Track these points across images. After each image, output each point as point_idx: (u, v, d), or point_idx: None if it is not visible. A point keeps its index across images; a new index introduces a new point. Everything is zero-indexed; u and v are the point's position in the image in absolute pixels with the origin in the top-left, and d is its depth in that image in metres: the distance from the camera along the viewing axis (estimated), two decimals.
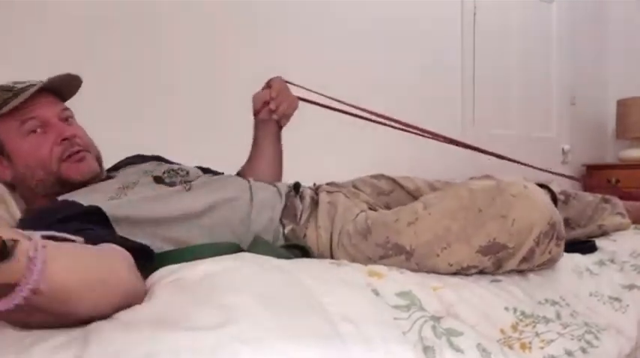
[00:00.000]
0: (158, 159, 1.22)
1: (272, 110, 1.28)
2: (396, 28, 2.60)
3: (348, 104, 1.42)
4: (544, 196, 0.85)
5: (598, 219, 1.33)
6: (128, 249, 0.69)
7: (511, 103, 3.08)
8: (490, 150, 1.78)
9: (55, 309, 0.53)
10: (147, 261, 0.75)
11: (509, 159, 1.58)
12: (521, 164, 1.60)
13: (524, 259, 0.84)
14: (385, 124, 1.47)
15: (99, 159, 1.07)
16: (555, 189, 1.23)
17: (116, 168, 1.15)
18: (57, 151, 0.98)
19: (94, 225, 0.81)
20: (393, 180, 1.23)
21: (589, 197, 1.37)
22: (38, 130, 0.97)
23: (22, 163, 0.98)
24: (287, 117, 1.32)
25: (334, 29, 2.41)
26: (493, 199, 0.83)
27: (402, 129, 1.48)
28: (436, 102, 2.77)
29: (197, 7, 2.01)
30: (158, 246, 0.92)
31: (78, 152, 1.00)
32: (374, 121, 1.45)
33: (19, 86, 0.97)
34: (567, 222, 1.29)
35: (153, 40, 1.94)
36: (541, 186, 1.37)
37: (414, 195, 1.18)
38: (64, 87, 1.04)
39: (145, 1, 1.91)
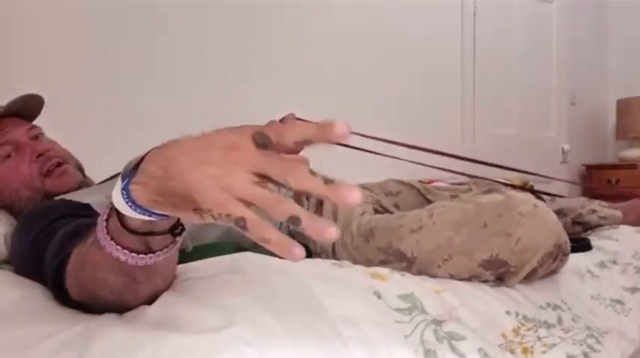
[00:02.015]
0: None
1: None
2: (395, 28, 2.60)
3: (359, 134, 1.40)
4: (552, 216, 0.84)
5: (589, 205, 1.39)
6: None
7: (511, 103, 3.08)
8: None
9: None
10: None
11: (505, 168, 1.58)
12: (519, 171, 1.60)
13: (526, 277, 0.83)
14: (392, 157, 1.46)
15: (80, 168, 1.09)
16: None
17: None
18: (35, 168, 1.00)
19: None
20: (401, 182, 1.24)
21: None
22: (12, 154, 1.00)
23: (6, 188, 1.00)
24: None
25: (333, 28, 2.41)
26: (500, 216, 0.82)
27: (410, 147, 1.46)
28: (436, 102, 2.77)
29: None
30: None
31: (58, 165, 1.02)
32: (384, 155, 1.44)
33: None
34: (560, 212, 1.32)
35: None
36: (526, 188, 1.40)
37: (421, 193, 1.19)
38: (27, 108, 1.06)
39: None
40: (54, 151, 1.03)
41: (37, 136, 1.05)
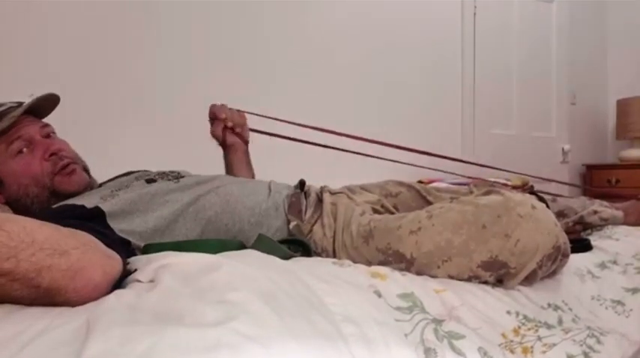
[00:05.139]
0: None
1: (231, 127, 1.30)
2: (396, 28, 2.60)
3: (301, 125, 1.42)
4: (551, 218, 0.84)
5: (591, 206, 1.39)
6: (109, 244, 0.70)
7: (511, 103, 3.08)
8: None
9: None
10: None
11: (504, 170, 1.58)
12: (519, 174, 1.60)
13: (526, 279, 0.83)
14: (392, 161, 1.47)
15: (87, 170, 1.10)
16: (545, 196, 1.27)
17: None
18: (47, 166, 1.00)
19: (87, 222, 0.82)
20: (401, 183, 1.24)
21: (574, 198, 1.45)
22: (25, 150, 1.00)
23: (15, 184, 0.99)
24: (244, 127, 1.34)
25: (333, 28, 2.41)
26: (499, 217, 0.82)
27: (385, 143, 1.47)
28: (436, 102, 2.77)
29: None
30: (151, 225, 0.94)
31: (68, 165, 1.03)
32: (383, 159, 1.45)
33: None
34: (561, 213, 1.32)
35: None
36: (527, 188, 1.40)
37: (421, 194, 1.19)
38: (42, 106, 1.06)
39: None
40: (65, 151, 1.04)
41: (49, 135, 1.06)
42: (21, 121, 1.00)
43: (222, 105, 1.32)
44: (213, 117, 1.31)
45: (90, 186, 1.07)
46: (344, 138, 1.44)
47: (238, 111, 1.34)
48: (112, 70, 1.83)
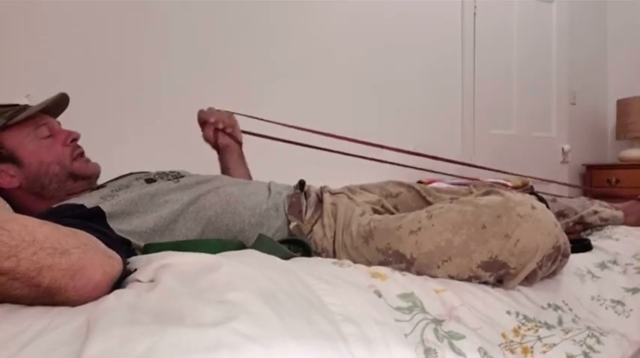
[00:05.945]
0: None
1: (222, 129, 1.32)
2: (396, 28, 2.61)
3: (289, 125, 1.42)
4: (551, 218, 0.84)
5: (590, 206, 1.40)
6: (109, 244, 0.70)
7: (511, 103, 3.08)
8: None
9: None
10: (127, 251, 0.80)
11: (504, 172, 1.58)
12: (520, 176, 1.60)
13: (526, 279, 0.83)
14: (392, 164, 1.46)
15: None
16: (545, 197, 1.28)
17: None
18: (67, 150, 1.08)
19: (87, 222, 0.82)
20: (401, 184, 1.24)
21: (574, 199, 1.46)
22: (49, 135, 1.07)
23: (36, 162, 1.04)
24: (235, 128, 1.36)
25: (333, 28, 2.41)
26: (499, 217, 0.82)
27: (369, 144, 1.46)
28: (436, 102, 2.77)
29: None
30: (151, 225, 0.96)
31: (83, 153, 1.12)
32: (382, 161, 1.44)
33: (21, 104, 1.07)
34: (561, 214, 1.32)
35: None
36: (528, 191, 1.41)
37: (421, 194, 1.19)
38: (54, 105, 1.13)
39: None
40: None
41: None
42: (38, 115, 1.08)
43: (210, 108, 1.34)
44: (203, 122, 1.33)
45: (98, 176, 1.13)
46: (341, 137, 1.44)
47: (227, 112, 1.35)
48: (113, 70, 1.83)
